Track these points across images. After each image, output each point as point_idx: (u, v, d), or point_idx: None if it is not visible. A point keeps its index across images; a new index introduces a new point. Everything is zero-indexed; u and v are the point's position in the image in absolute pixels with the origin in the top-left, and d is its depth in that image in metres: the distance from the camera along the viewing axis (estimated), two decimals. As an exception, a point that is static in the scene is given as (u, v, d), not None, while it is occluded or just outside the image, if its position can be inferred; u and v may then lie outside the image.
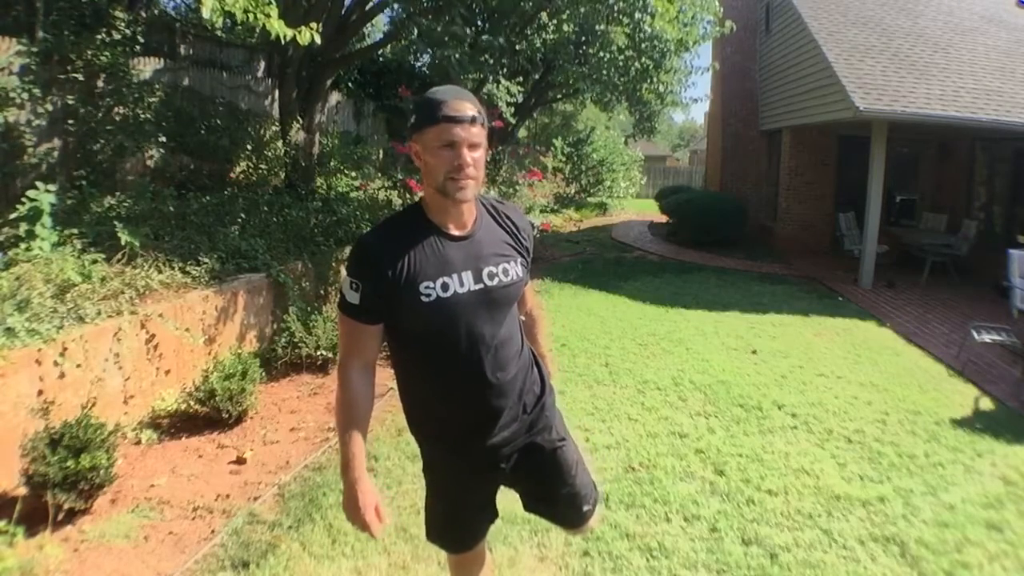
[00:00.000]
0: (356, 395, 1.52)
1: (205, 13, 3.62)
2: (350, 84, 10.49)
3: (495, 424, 1.60)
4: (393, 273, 1.46)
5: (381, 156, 7.95)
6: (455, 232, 1.53)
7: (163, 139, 5.90)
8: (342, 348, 1.58)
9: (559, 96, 14.38)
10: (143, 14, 6.63)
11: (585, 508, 1.84)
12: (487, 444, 1.61)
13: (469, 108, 1.46)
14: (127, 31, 5.76)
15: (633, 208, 18.71)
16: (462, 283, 1.50)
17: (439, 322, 1.50)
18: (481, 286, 1.52)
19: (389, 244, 1.49)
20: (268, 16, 3.87)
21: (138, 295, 3.78)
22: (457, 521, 1.81)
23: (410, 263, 1.47)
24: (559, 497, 1.80)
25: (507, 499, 1.87)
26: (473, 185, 1.48)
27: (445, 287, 1.49)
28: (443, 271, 1.49)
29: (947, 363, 5.39)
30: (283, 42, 4.16)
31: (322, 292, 5.45)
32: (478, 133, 1.46)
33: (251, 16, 3.84)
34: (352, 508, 1.47)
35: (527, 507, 1.87)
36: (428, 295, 1.47)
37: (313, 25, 4.15)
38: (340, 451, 1.49)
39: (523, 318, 1.84)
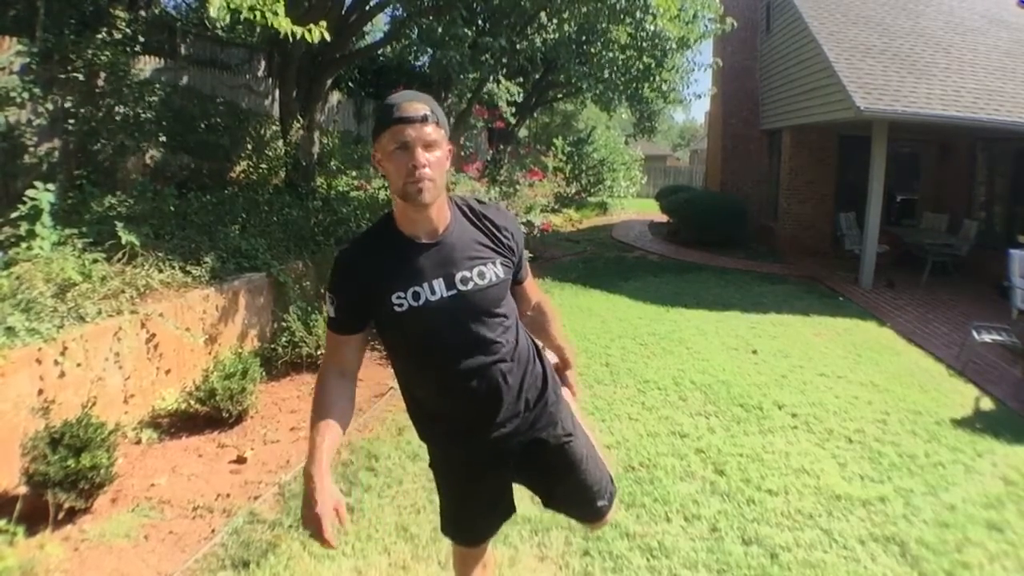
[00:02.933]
0: (328, 400, 1.52)
1: (212, 12, 3.62)
2: (350, 84, 10.49)
3: (492, 422, 1.60)
4: (364, 286, 1.49)
5: (381, 156, 7.92)
6: (425, 240, 1.52)
7: (163, 138, 5.89)
8: (324, 357, 1.62)
9: (560, 96, 14.39)
10: (143, 13, 6.62)
11: (599, 503, 1.83)
12: (486, 441, 1.62)
13: (421, 108, 1.44)
14: (127, 30, 5.75)
15: (633, 208, 18.70)
16: (433, 291, 1.50)
17: (416, 330, 1.52)
18: (455, 292, 1.51)
19: (360, 258, 1.52)
20: (275, 14, 3.86)
21: (138, 294, 3.78)
22: (462, 516, 1.82)
23: (380, 275, 1.49)
24: (570, 492, 1.80)
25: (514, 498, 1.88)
26: (431, 187, 1.45)
27: (416, 296, 1.49)
28: (413, 281, 1.49)
29: (947, 363, 5.39)
30: (291, 40, 4.14)
31: (322, 292, 5.44)
32: (432, 132, 1.45)
33: (257, 14, 3.83)
34: (309, 516, 1.35)
35: (545, 504, 1.86)
36: (400, 305, 1.48)
37: (323, 23, 4.14)
38: (307, 452, 1.45)
39: (530, 314, 1.83)
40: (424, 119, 1.43)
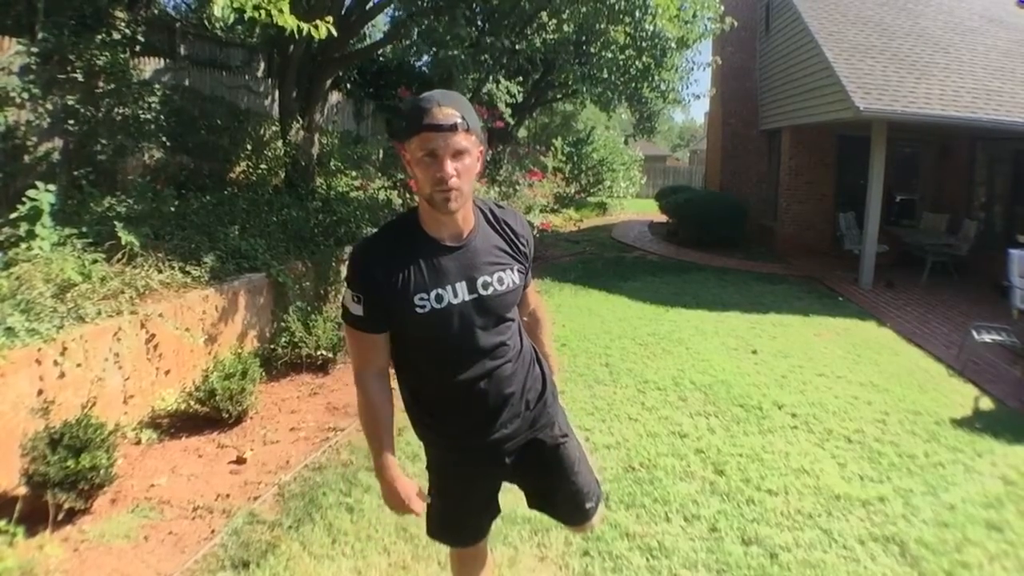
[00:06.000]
0: (377, 403, 1.57)
1: (216, 11, 3.61)
2: (349, 84, 10.48)
3: (495, 422, 1.61)
4: (388, 284, 1.48)
5: (381, 156, 7.94)
6: (449, 243, 1.53)
7: (163, 139, 5.89)
8: (354, 359, 1.61)
9: (559, 96, 14.38)
10: (143, 14, 6.62)
11: (588, 505, 1.84)
12: (487, 441, 1.62)
13: (452, 115, 1.41)
14: (127, 31, 5.75)
15: (633, 208, 18.71)
16: (456, 294, 1.51)
17: (433, 330, 1.52)
18: (475, 296, 1.53)
19: (384, 256, 1.50)
20: (280, 11, 3.86)
21: (138, 295, 3.78)
22: (460, 518, 1.82)
23: (405, 275, 1.48)
24: (561, 493, 1.81)
25: (508, 498, 1.88)
26: (459, 196, 1.44)
27: (439, 298, 1.49)
28: (437, 283, 1.50)
29: (947, 363, 5.39)
30: (297, 36, 4.11)
31: (322, 292, 5.44)
32: (463, 140, 1.42)
33: (262, 12, 3.82)
34: (397, 502, 1.60)
35: (531, 504, 1.87)
36: (422, 306, 1.48)
37: (329, 19, 4.13)
38: (372, 458, 1.60)
39: (526, 319, 1.84)
40: (454, 127, 1.40)
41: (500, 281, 1.56)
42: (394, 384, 1.69)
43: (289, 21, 3.88)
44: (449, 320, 1.51)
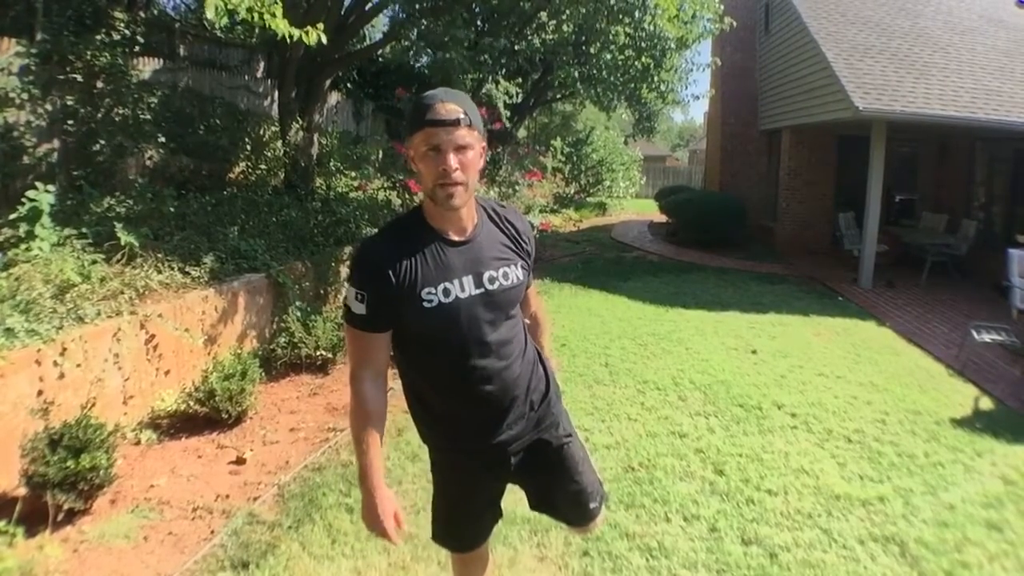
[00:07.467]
0: (370, 406, 1.54)
1: (209, 13, 3.61)
2: (349, 85, 10.49)
3: (501, 423, 1.61)
4: (396, 280, 1.47)
5: (380, 156, 7.95)
6: (455, 237, 1.54)
7: (162, 139, 5.89)
8: (352, 359, 1.59)
9: (558, 96, 14.39)
10: (142, 14, 6.62)
11: (592, 505, 1.84)
12: (493, 442, 1.62)
13: (455, 110, 1.43)
14: (126, 31, 5.76)
15: (633, 208, 18.70)
16: (463, 288, 1.51)
17: (440, 326, 1.51)
18: (482, 290, 1.53)
19: (390, 251, 1.50)
20: (273, 15, 3.86)
21: (138, 295, 3.78)
22: (463, 520, 1.82)
23: (412, 269, 1.48)
24: (565, 494, 1.80)
25: (508, 499, 1.88)
26: (462, 191, 1.46)
27: (447, 292, 1.49)
28: (444, 277, 1.50)
29: (947, 363, 5.39)
30: (289, 42, 4.13)
31: (322, 292, 5.44)
32: (465, 135, 1.44)
33: (255, 16, 3.82)
34: (372, 517, 1.51)
35: (533, 506, 1.87)
36: (430, 301, 1.48)
37: (320, 25, 4.13)
38: (356, 461, 1.54)
39: (527, 320, 1.84)
40: (456, 122, 1.42)
41: (505, 276, 1.57)
42: (394, 385, 1.69)
43: (281, 26, 3.87)
44: (456, 315, 1.50)
